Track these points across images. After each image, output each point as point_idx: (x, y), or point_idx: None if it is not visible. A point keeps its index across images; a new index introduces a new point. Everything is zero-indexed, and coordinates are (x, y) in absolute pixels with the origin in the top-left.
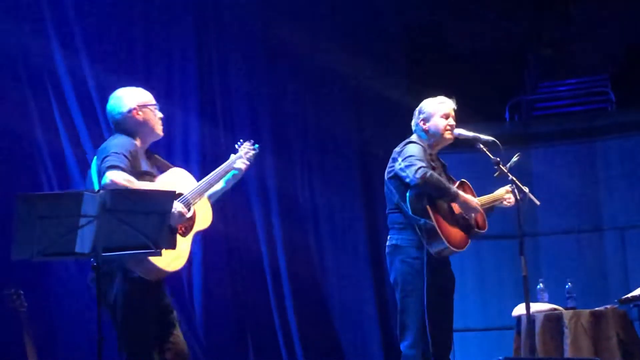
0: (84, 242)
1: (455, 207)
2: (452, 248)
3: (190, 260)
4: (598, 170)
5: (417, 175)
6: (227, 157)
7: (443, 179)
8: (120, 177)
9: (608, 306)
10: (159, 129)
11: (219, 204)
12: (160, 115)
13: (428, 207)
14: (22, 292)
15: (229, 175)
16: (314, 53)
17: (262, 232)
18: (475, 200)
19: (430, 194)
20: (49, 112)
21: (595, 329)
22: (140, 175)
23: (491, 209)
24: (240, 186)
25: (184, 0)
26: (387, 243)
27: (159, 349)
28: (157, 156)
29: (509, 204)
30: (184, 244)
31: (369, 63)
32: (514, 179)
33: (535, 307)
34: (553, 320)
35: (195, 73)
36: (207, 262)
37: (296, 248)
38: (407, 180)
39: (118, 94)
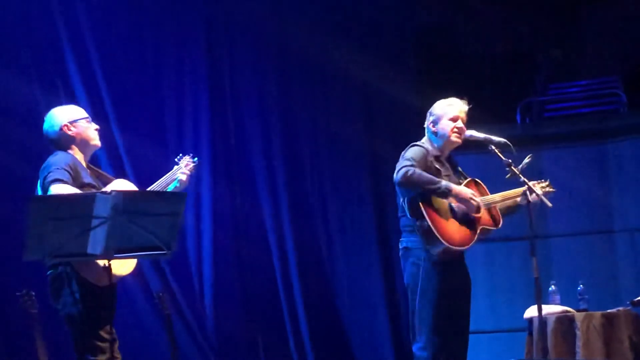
0: (95, 243)
1: (456, 204)
2: (451, 247)
3: (200, 262)
4: (609, 172)
5: (398, 175)
6: (236, 161)
7: (429, 175)
8: (63, 190)
9: (620, 308)
10: (94, 140)
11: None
12: (95, 126)
13: (421, 205)
14: (33, 293)
15: (171, 187)
16: (324, 56)
17: (272, 234)
18: (468, 190)
19: (421, 193)
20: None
21: (607, 331)
22: (82, 187)
23: (515, 208)
24: (250, 189)
25: (195, 4)
26: (400, 246)
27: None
28: (98, 169)
29: (535, 199)
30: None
31: (379, 65)
32: (526, 180)
33: (547, 309)
34: (565, 323)
35: (206, 75)
36: (218, 262)
37: (306, 249)
38: (394, 181)
39: (50, 114)
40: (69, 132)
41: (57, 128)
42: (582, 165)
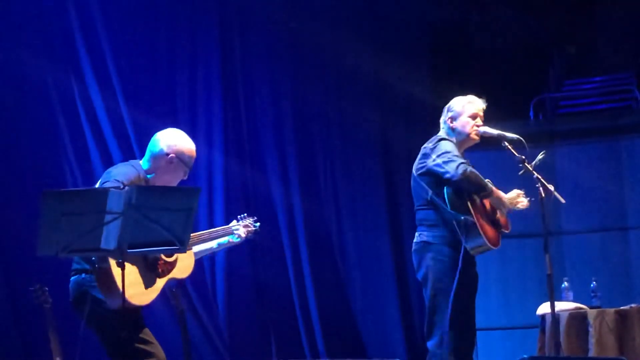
0: (109, 238)
1: (487, 204)
2: (489, 245)
3: (214, 258)
4: (623, 169)
5: (459, 171)
6: (248, 152)
7: (479, 175)
8: None
9: (633, 305)
10: (173, 185)
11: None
12: (185, 177)
13: (469, 202)
14: (47, 288)
15: (225, 240)
16: (337, 51)
17: (285, 230)
18: (506, 200)
19: (469, 190)
20: (74, 109)
21: (620, 328)
22: None
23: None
24: (263, 185)
25: (209, 2)
26: (416, 240)
27: None
28: None
29: (522, 207)
30: (156, 284)
31: (393, 61)
32: (539, 177)
33: (559, 305)
34: (578, 319)
35: (220, 72)
36: (230, 260)
37: (319, 243)
38: (447, 176)
39: (169, 133)
40: (169, 164)
41: (165, 151)
42: (596, 161)
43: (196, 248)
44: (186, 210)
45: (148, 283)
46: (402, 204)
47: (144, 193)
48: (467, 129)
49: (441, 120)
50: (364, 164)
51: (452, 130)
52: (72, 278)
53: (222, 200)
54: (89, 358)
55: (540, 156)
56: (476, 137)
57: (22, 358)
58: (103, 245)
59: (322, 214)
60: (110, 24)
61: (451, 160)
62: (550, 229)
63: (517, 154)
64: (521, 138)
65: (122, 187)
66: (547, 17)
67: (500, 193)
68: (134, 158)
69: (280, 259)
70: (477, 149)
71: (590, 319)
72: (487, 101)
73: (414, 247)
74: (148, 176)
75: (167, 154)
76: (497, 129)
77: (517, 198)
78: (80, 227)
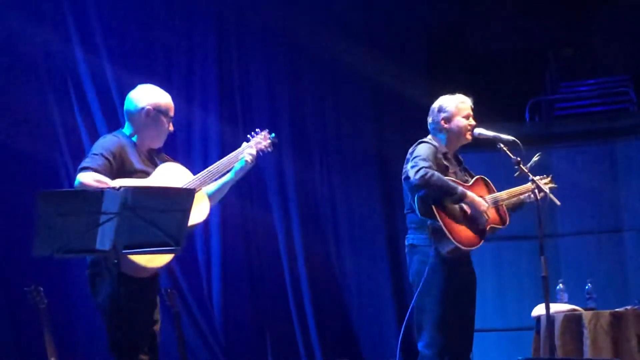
0: (104, 239)
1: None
2: (461, 247)
3: (209, 259)
4: (619, 171)
5: (417, 177)
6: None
7: (447, 180)
8: (89, 178)
9: (628, 307)
10: (159, 142)
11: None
12: (170, 129)
13: (434, 207)
14: (42, 288)
15: (237, 166)
16: (333, 52)
17: (281, 231)
18: (482, 201)
19: (433, 195)
20: (70, 109)
21: (615, 330)
22: (133, 173)
23: (519, 205)
24: (259, 186)
25: (205, 4)
26: (406, 242)
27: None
28: (164, 155)
29: (543, 197)
30: None
31: (389, 63)
32: (535, 179)
33: (554, 307)
34: (573, 321)
35: (216, 72)
36: (226, 261)
37: (314, 248)
38: (409, 181)
39: (141, 89)
40: (146, 118)
41: (139, 106)
42: (592, 164)
43: (208, 188)
44: (181, 210)
45: None
46: (398, 205)
47: (139, 194)
48: (463, 130)
49: (429, 120)
50: (359, 167)
51: (446, 131)
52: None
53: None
54: (88, 358)
55: (535, 158)
56: (470, 138)
57: (17, 358)
58: (98, 246)
59: (318, 216)
60: (106, 21)
61: (415, 165)
62: (546, 231)
63: (512, 156)
64: (516, 140)
65: (108, 159)
66: (544, 19)
67: (475, 197)
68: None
69: (276, 262)
70: (472, 151)
71: (585, 321)
72: (484, 103)
73: (405, 249)
74: (133, 139)
75: (143, 108)
76: (492, 130)
77: (542, 180)
78: (75, 228)
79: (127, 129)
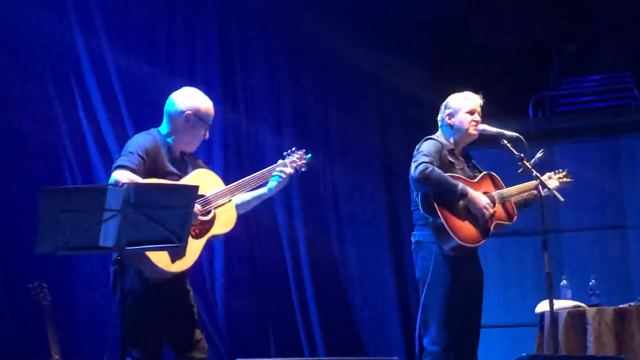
0: (107, 236)
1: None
2: (463, 244)
3: (212, 255)
4: (622, 167)
5: (417, 171)
6: (247, 153)
7: (449, 176)
8: (123, 177)
9: (632, 303)
10: (192, 147)
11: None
12: (206, 136)
13: (435, 204)
14: (45, 285)
15: (271, 183)
16: (336, 48)
17: (284, 227)
18: (482, 199)
19: (433, 191)
20: (73, 106)
21: (618, 327)
22: (162, 174)
23: (529, 201)
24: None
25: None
26: (412, 239)
27: (180, 345)
28: (199, 161)
29: (547, 194)
30: (194, 246)
31: (392, 59)
32: (538, 175)
33: (558, 304)
34: (576, 318)
35: (218, 68)
36: (229, 255)
37: (318, 243)
38: (411, 176)
39: (184, 92)
40: (188, 121)
41: (180, 109)
42: (595, 160)
43: (237, 199)
44: (184, 207)
45: (185, 247)
46: (401, 202)
47: (142, 191)
48: (465, 125)
49: (438, 117)
50: (363, 163)
51: (450, 127)
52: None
53: None
54: (91, 355)
55: (539, 154)
56: (474, 133)
57: (21, 355)
58: (102, 243)
59: (321, 213)
60: (109, 16)
61: (416, 161)
62: (549, 227)
63: (516, 152)
64: (520, 136)
65: (143, 158)
66: (547, 15)
67: (476, 195)
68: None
69: (279, 257)
70: (476, 147)
71: (589, 318)
72: (487, 99)
73: (412, 246)
74: (168, 140)
75: (183, 112)
76: (496, 127)
77: (556, 175)
78: (79, 225)
79: (163, 129)
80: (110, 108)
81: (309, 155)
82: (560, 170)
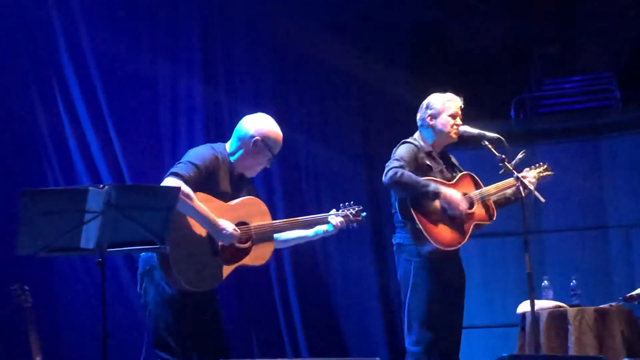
0: (88, 237)
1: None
2: (441, 247)
3: None
4: (603, 168)
5: (386, 178)
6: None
7: (419, 178)
8: (173, 185)
9: (613, 304)
10: (252, 172)
11: None
12: (268, 165)
13: (412, 210)
14: (27, 287)
15: (321, 229)
16: (317, 50)
17: None
18: (456, 197)
19: (406, 195)
20: (54, 106)
21: (599, 327)
22: (214, 192)
23: (507, 200)
24: None
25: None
26: (393, 241)
27: (206, 350)
28: (254, 188)
29: (532, 183)
30: (223, 270)
31: (374, 61)
32: (519, 176)
33: (539, 304)
34: (557, 318)
35: (201, 75)
36: None
37: (301, 245)
38: (383, 181)
39: (259, 117)
40: (253, 147)
41: (251, 133)
42: (576, 161)
43: (284, 235)
44: (165, 209)
45: (212, 268)
46: (383, 203)
47: (123, 192)
48: (447, 129)
49: (418, 117)
50: (345, 166)
51: (432, 128)
52: (142, 254)
53: None
54: (74, 357)
55: (520, 155)
56: (455, 137)
57: (2, 357)
58: (83, 245)
59: (304, 213)
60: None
61: (390, 168)
62: (530, 227)
63: (497, 153)
64: (501, 137)
65: (201, 171)
66: (528, 16)
67: (450, 194)
68: (114, 154)
69: None
70: (457, 148)
71: (570, 318)
72: (468, 100)
73: (393, 248)
74: (231, 158)
75: (253, 136)
76: (477, 128)
77: (536, 169)
78: (59, 226)
79: (231, 147)
80: (90, 107)
81: (364, 213)
82: (540, 163)
